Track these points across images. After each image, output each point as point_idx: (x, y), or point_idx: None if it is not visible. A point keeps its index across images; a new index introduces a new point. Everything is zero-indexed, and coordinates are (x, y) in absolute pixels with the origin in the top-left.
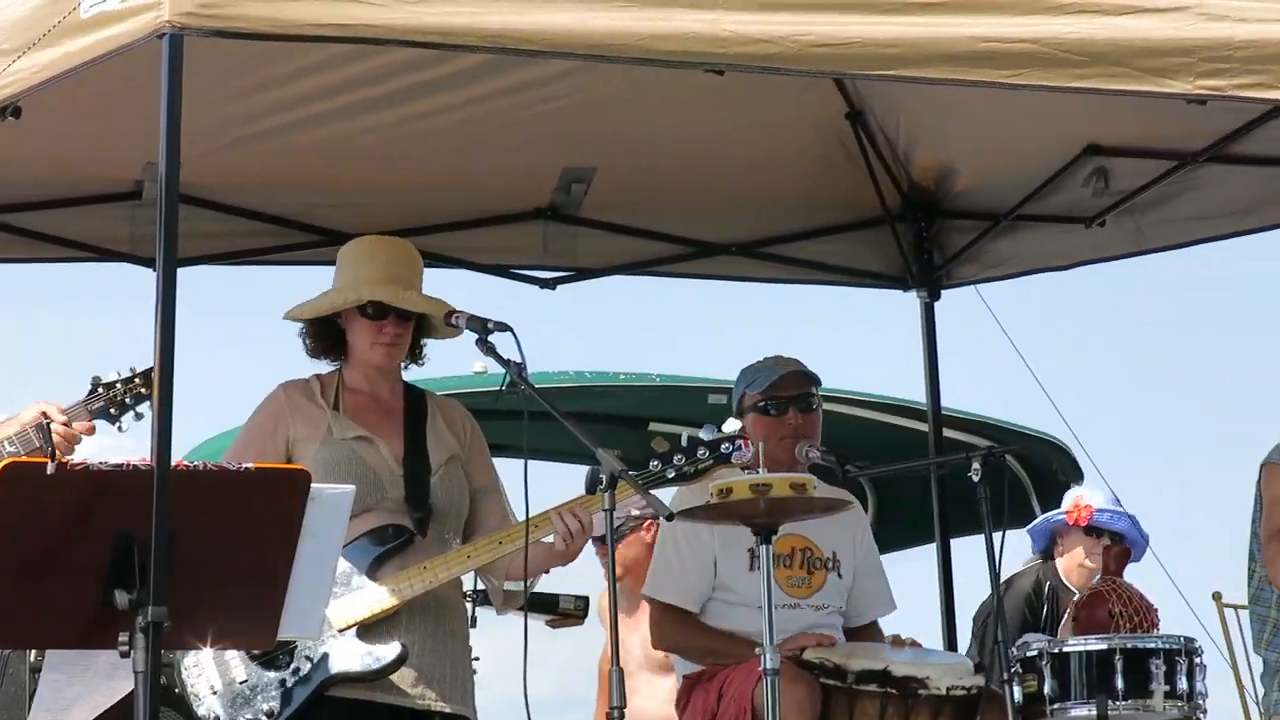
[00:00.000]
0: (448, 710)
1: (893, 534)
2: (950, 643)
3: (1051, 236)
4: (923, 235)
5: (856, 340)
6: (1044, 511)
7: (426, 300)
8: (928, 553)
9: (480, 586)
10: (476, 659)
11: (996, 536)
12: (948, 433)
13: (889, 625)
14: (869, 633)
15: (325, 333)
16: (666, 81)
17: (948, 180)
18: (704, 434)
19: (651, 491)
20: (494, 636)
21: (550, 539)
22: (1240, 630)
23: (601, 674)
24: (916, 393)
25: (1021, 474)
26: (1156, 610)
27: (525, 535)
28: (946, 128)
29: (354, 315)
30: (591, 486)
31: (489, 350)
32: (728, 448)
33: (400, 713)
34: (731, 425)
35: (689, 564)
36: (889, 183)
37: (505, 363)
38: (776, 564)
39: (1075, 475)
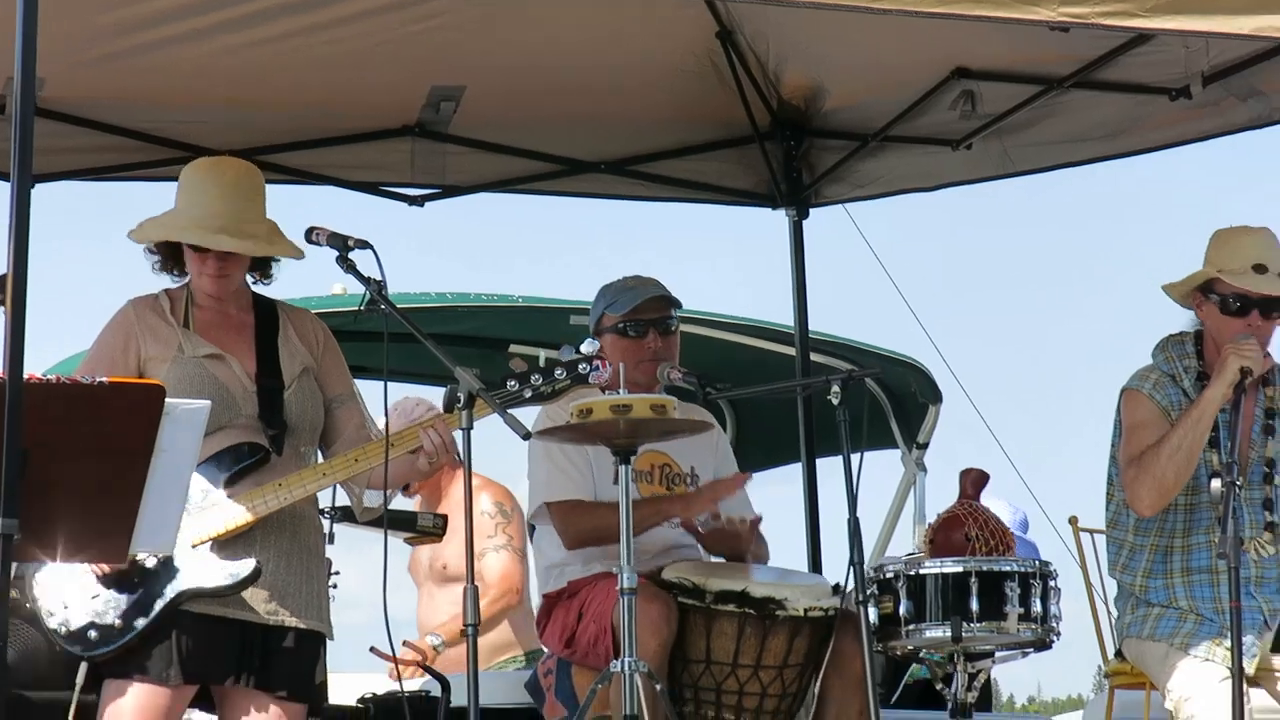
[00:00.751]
0: (302, 626)
1: (753, 455)
2: (815, 563)
3: (919, 157)
4: (792, 154)
5: (726, 258)
6: (903, 432)
7: (244, 243)
8: (794, 475)
9: (340, 503)
10: (336, 573)
11: (855, 458)
12: (812, 355)
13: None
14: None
15: (168, 250)
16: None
17: (817, 100)
18: (562, 355)
19: (511, 411)
20: (363, 554)
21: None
22: (1096, 554)
23: (417, 575)
24: (783, 311)
25: (881, 396)
26: (1013, 533)
27: (385, 454)
28: (816, 48)
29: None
30: (449, 405)
31: (349, 268)
32: (585, 368)
33: (253, 628)
34: (589, 346)
35: (575, 463)
36: (759, 102)
37: (365, 280)
38: (638, 479)
39: (933, 396)
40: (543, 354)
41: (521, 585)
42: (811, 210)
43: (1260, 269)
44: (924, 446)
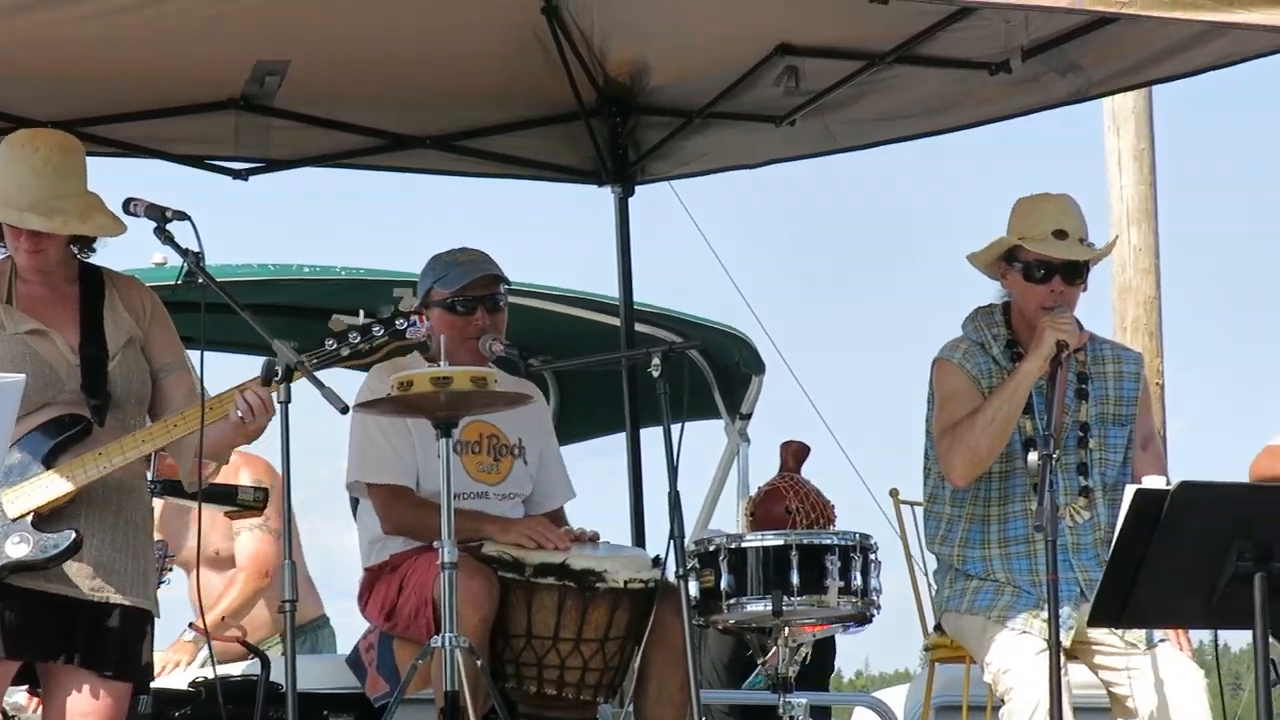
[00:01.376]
0: (126, 603)
1: (578, 425)
2: (639, 535)
3: (743, 134)
4: (618, 131)
5: (552, 233)
6: (727, 403)
7: (51, 220)
8: (619, 446)
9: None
10: (171, 556)
11: (675, 431)
12: (639, 327)
13: (573, 515)
14: (554, 519)
15: None
16: None
17: (642, 76)
18: (380, 313)
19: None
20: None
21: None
22: (917, 527)
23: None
24: (610, 286)
25: (705, 367)
26: (833, 506)
27: (201, 420)
28: (641, 24)
29: None
30: (268, 377)
31: (167, 239)
32: (402, 323)
33: (79, 605)
34: (406, 302)
35: (395, 443)
36: (584, 78)
37: (183, 252)
38: (465, 450)
39: (757, 367)
40: (361, 313)
41: (273, 567)
42: (638, 187)
43: (1061, 234)
44: (747, 417)
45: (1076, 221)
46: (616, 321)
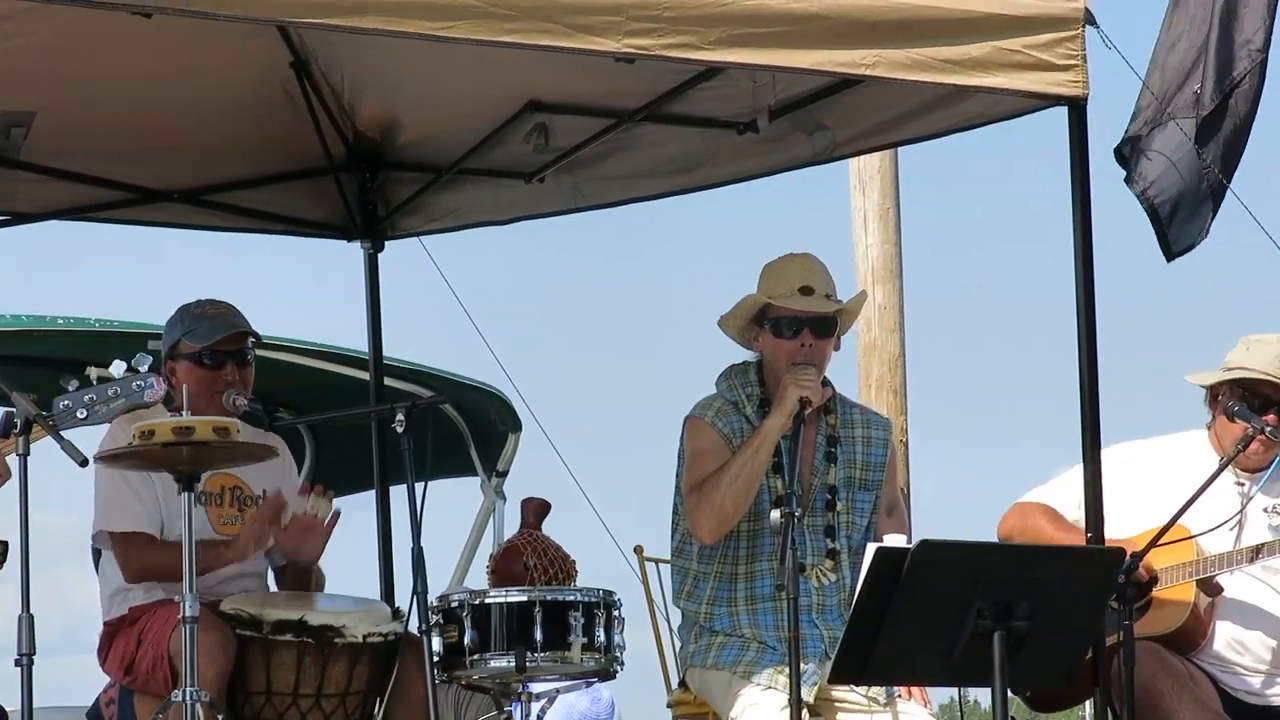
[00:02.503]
0: None
1: (334, 481)
2: (387, 591)
3: (492, 190)
4: (367, 186)
5: (302, 288)
6: (483, 460)
7: None
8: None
9: None
10: None
11: (420, 487)
12: (390, 381)
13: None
14: (300, 572)
15: None
16: (107, 26)
17: (392, 132)
18: (114, 371)
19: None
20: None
21: None
22: (661, 583)
23: None
24: (362, 341)
25: (461, 424)
26: (575, 562)
27: None
28: (391, 80)
29: None
30: (5, 430)
31: None
32: (139, 385)
33: None
34: (141, 361)
35: (138, 491)
36: (334, 133)
37: None
38: (208, 502)
39: (513, 424)
40: (94, 372)
41: None
42: (389, 242)
43: (807, 290)
44: (503, 474)
45: (822, 278)
46: (352, 373)
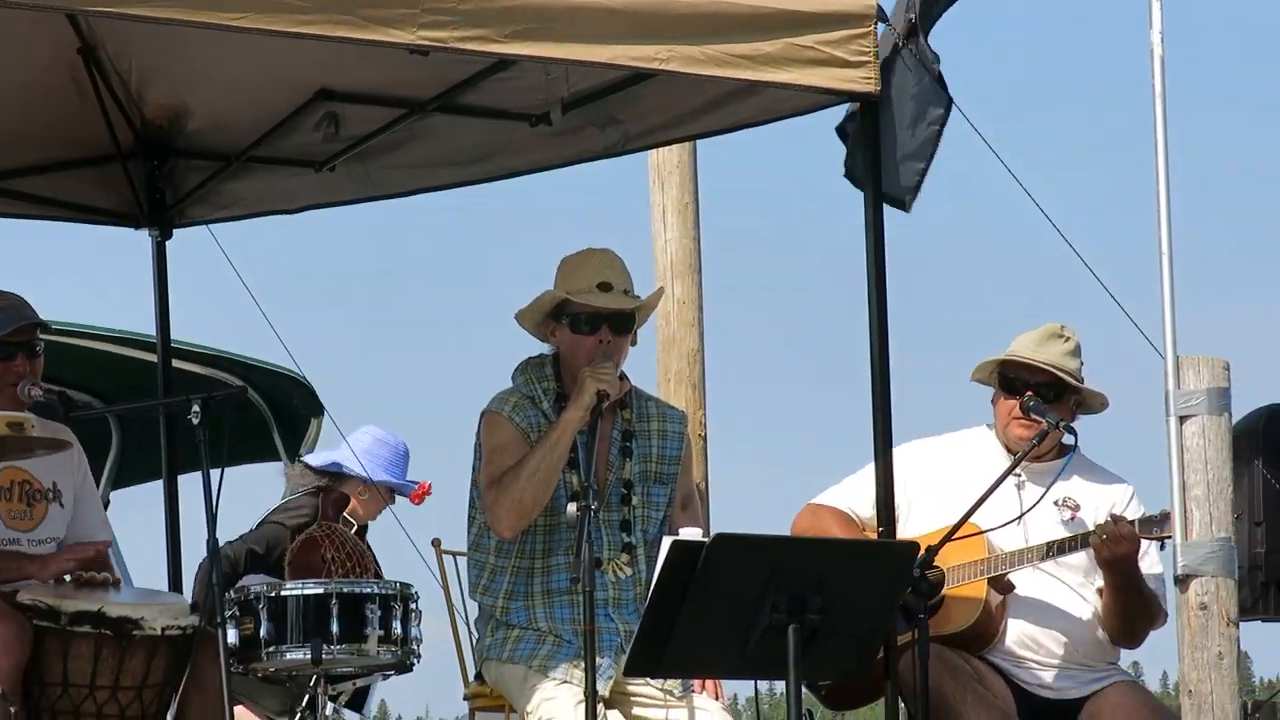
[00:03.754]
0: None
1: (141, 469)
2: (175, 581)
3: (282, 179)
4: (155, 174)
5: (92, 276)
6: (286, 445)
7: None
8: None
9: None
10: None
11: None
12: (193, 368)
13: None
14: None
15: None
16: None
17: (181, 120)
18: None
19: None
20: None
21: None
22: (459, 576)
23: None
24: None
25: (264, 409)
26: (373, 556)
27: None
28: (180, 67)
29: None
30: None
31: None
32: None
33: None
34: None
35: None
36: (122, 120)
37: None
38: None
39: (315, 409)
40: None
41: None
42: (177, 231)
43: (605, 286)
44: None
45: (620, 274)
46: (177, 364)
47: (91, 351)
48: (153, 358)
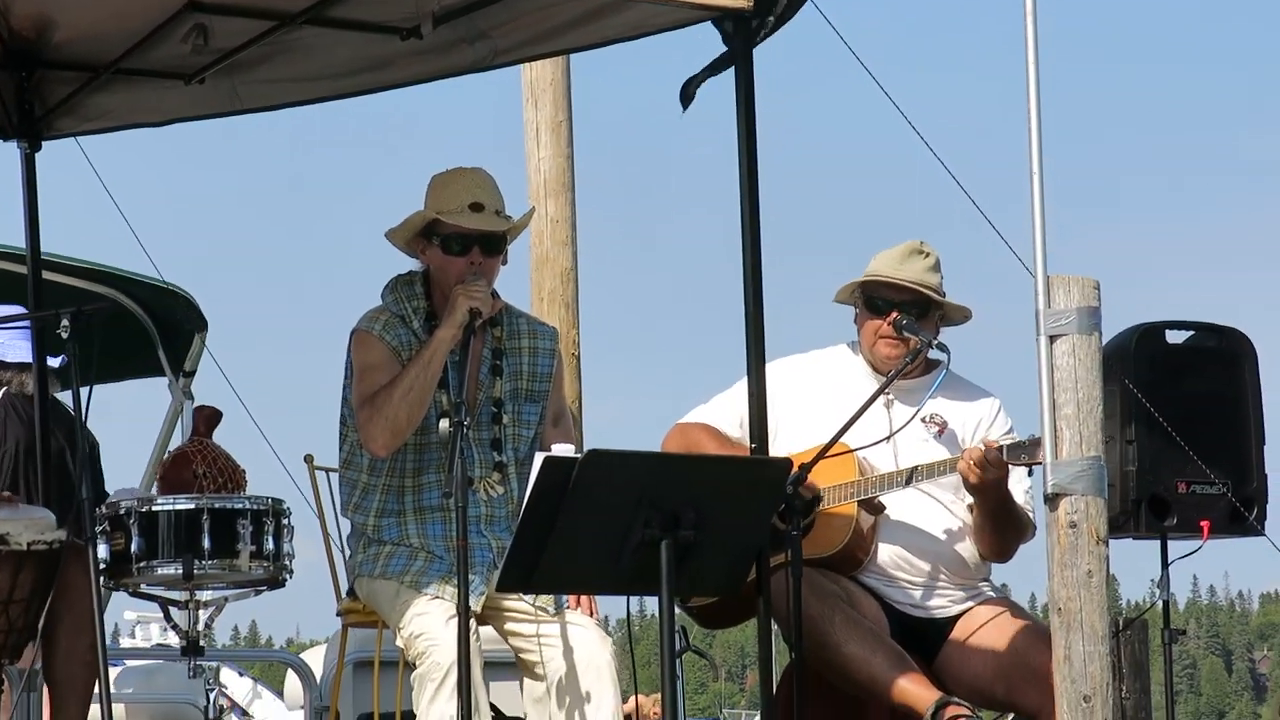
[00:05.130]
0: None
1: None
2: (47, 496)
3: (151, 92)
4: (23, 86)
5: None
6: (170, 359)
7: None
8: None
9: None
10: None
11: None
12: (70, 280)
13: None
14: None
15: None
16: None
17: (47, 31)
18: None
19: None
20: None
21: None
22: (331, 492)
23: None
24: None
25: (148, 323)
26: (244, 471)
27: None
28: None
29: None
30: None
31: None
32: None
33: None
34: None
35: None
36: None
37: None
38: None
39: (199, 324)
40: None
41: None
42: (46, 143)
43: (477, 207)
44: (190, 374)
45: (492, 194)
46: (50, 276)
47: None
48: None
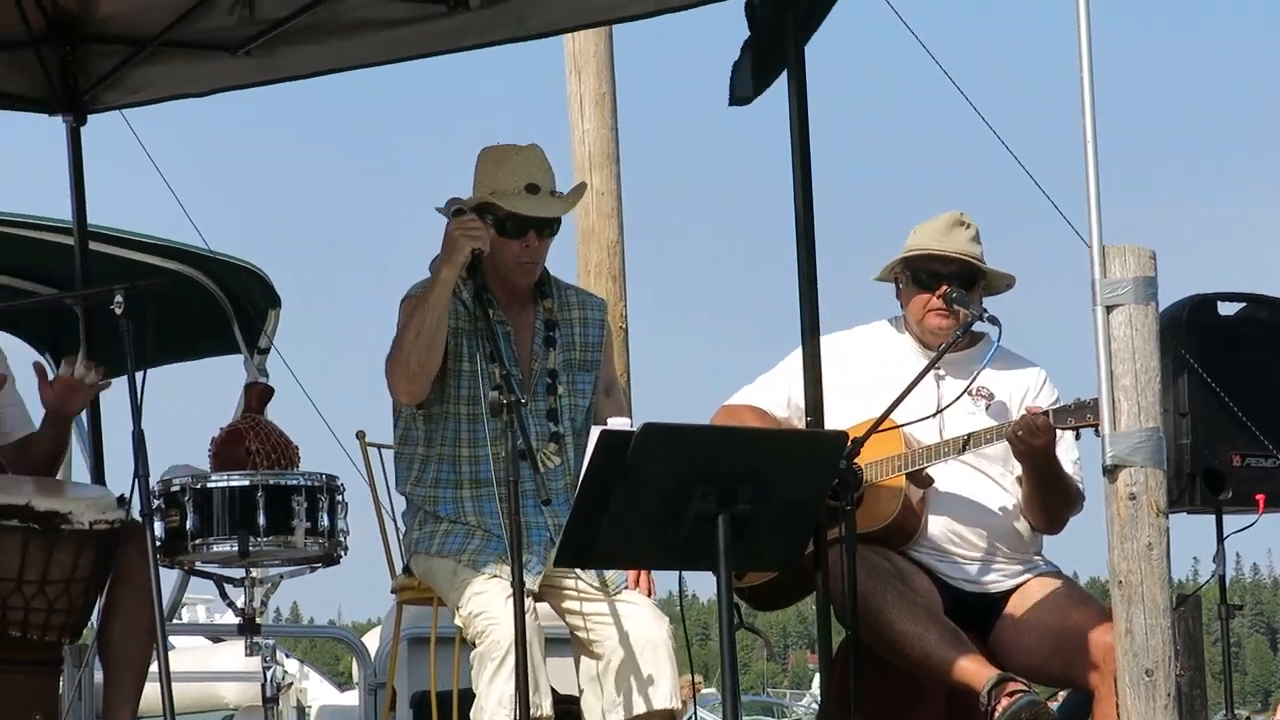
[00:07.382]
0: None
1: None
2: (99, 475)
3: (194, 62)
4: (68, 59)
5: (11, 165)
6: (245, 336)
7: None
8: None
9: None
10: None
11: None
12: (145, 258)
13: None
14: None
15: None
16: None
17: (92, 5)
18: None
19: None
20: None
21: None
22: (384, 470)
23: None
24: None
25: (223, 300)
26: (298, 448)
27: None
28: None
29: None
30: None
31: None
32: None
33: None
34: None
35: None
36: (33, 5)
37: None
38: None
39: (272, 300)
40: None
41: None
42: (91, 117)
43: (533, 189)
44: (265, 351)
45: (546, 174)
46: (113, 251)
47: (47, 244)
48: (105, 249)
